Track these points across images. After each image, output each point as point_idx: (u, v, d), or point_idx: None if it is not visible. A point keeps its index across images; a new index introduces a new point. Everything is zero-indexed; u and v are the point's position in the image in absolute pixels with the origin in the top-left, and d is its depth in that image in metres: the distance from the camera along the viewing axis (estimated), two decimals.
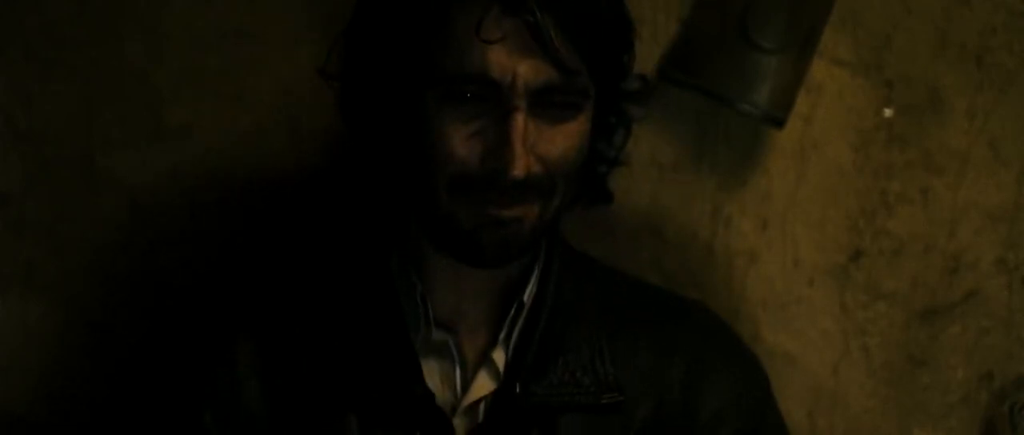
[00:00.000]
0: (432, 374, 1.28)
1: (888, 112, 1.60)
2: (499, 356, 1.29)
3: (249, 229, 1.56)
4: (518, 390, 1.27)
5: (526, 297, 1.29)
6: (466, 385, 1.29)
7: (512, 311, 1.29)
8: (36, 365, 1.59)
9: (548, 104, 1.18)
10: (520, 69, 1.15)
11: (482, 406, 1.29)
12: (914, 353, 1.64)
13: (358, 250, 1.29)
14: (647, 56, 1.52)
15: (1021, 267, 1.63)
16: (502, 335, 1.28)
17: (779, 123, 1.52)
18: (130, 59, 1.54)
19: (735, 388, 1.35)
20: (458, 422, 1.28)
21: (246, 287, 1.29)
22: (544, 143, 1.18)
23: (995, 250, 1.62)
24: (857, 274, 1.63)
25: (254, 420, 1.26)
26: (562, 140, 1.19)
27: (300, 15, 1.55)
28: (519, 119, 1.15)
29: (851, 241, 1.62)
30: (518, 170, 1.16)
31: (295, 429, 1.25)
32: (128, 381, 1.30)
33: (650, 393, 1.32)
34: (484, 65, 1.15)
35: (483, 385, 1.28)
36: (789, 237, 1.62)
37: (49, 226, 1.57)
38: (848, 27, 1.57)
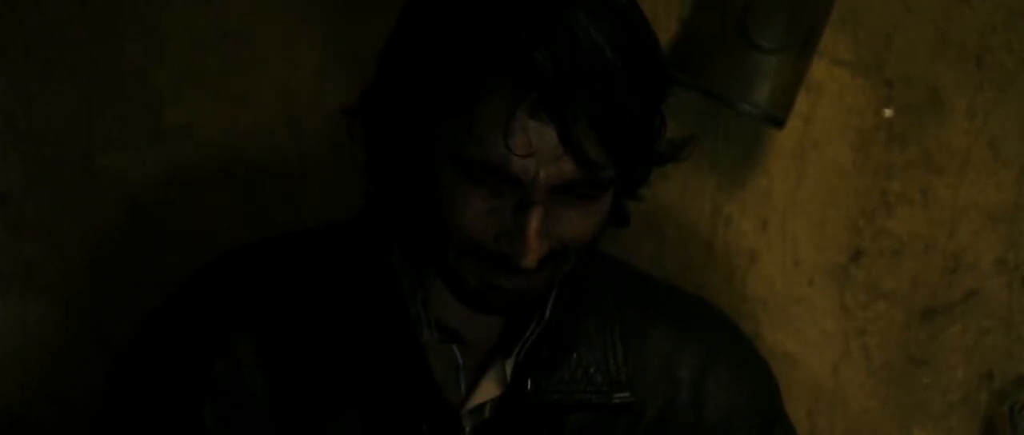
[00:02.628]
0: (434, 375, 1.28)
1: (888, 112, 1.60)
2: (509, 363, 1.28)
3: (249, 229, 1.56)
4: (529, 387, 1.27)
5: (548, 313, 1.28)
6: (470, 387, 1.28)
7: (529, 331, 1.27)
8: (36, 365, 1.59)
9: (569, 193, 1.16)
10: (543, 171, 1.13)
11: (488, 406, 1.28)
12: (914, 353, 1.64)
13: (359, 246, 1.29)
14: None
15: (1021, 267, 1.63)
16: (517, 350, 1.27)
17: (779, 123, 1.52)
18: (130, 59, 1.54)
19: (745, 394, 1.34)
20: (464, 419, 1.28)
21: (245, 282, 1.29)
22: (561, 224, 1.17)
23: (995, 250, 1.63)
24: (857, 274, 1.63)
25: (257, 412, 1.25)
26: (579, 220, 1.18)
27: (300, 15, 1.55)
28: (535, 213, 1.14)
29: (851, 241, 1.62)
30: (530, 261, 1.15)
31: (299, 422, 1.25)
32: (123, 379, 1.30)
33: (659, 392, 1.31)
34: (507, 161, 1.12)
35: (490, 388, 1.28)
36: (789, 237, 1.62)
37: (49, 226, 1.57)
38: (848, 27, 1.57)
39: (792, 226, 1.62)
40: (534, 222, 1.14)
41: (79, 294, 1.58)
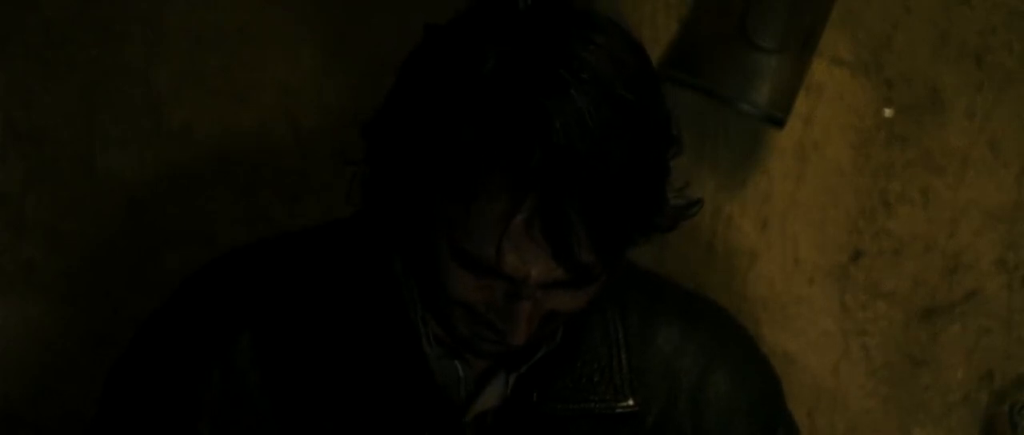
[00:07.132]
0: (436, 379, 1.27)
1: (888, 112, 1.60)
2: (512, 374, 1.27)
3: (249, 229, 1.56)
4: (535, 399, 1.26)
5: (559, 336, 1.27)
6: (470, 396, 1.27)
7: (539, 354, 1.26)
8: (36, 365, 1.59)
9: (560, 285, 1.15)
10: (534, 271, 1.11)
11: (490, 414, 1.28)
12: (914, 353, 1.64)
13: (360, 250, 1.28)
14: None
15: (1021, 267, 1.63)
16: (524, 369, 1.26)
17: (779, 123, 1.52)
18: (130, 59, 1.54)
19: (745, 397, 1.33)
20: (465, 429, 1.27)
21: (244, 286, 1.28)
22: (553, 302, 1.16)
23: (995, 250, 1.63)
24: (857, 274, 1.63)
25: (257, 417, 1.25)
26: (572, 298, 1.17)
27: (300, 15, 1.55)
28: (525, 306, 1.14)
29: (851, 241, 1.62)
30: (518, 342, 1.15)
31: (299, 426, 1.24)
32: (120, 385, 1.29)
33: (661, 395, 1.30)
34: (499, 261, 1.11)
35: (492, 397, 1.27)
36: (789, 237, 1.62)
37: (49, 226, 1.57)
38: (848, 27, 1.57)
39: (792, 226, 1.62)
40: (524, 313, 1.14)
41: (79, 294, 1.58)
